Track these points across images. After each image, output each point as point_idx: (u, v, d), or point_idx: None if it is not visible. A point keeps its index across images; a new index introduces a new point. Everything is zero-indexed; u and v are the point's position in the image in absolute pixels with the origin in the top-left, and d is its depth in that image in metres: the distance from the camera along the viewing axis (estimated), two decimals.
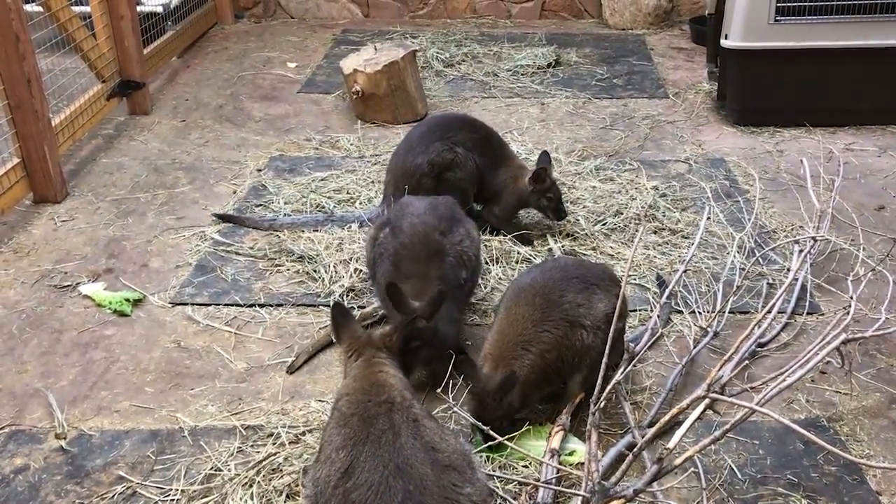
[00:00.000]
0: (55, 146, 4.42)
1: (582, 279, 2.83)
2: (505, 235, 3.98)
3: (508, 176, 4.02)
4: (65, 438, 2.84)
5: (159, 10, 6.27)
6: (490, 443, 2.61)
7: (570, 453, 2.70)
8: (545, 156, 4.00)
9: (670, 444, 2.21)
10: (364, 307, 3.46)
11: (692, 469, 2.60)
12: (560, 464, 2.61)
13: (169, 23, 6.46)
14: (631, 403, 2.94)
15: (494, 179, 4.02)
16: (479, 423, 2.53)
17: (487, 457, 2.68)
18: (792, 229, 4.08)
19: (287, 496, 2.56)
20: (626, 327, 3.08)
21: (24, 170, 4.30)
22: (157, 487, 2.64)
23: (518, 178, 4.01)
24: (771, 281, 3.65)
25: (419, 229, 3.15)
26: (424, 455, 2.05)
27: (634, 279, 3.70)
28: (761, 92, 5.17)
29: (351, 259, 3.77)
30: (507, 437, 2.58)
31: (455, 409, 2.59)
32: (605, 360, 2.49)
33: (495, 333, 2.80)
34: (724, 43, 5.10)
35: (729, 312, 3.33)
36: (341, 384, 2.37)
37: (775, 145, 5.04)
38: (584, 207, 4.25)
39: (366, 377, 2.31)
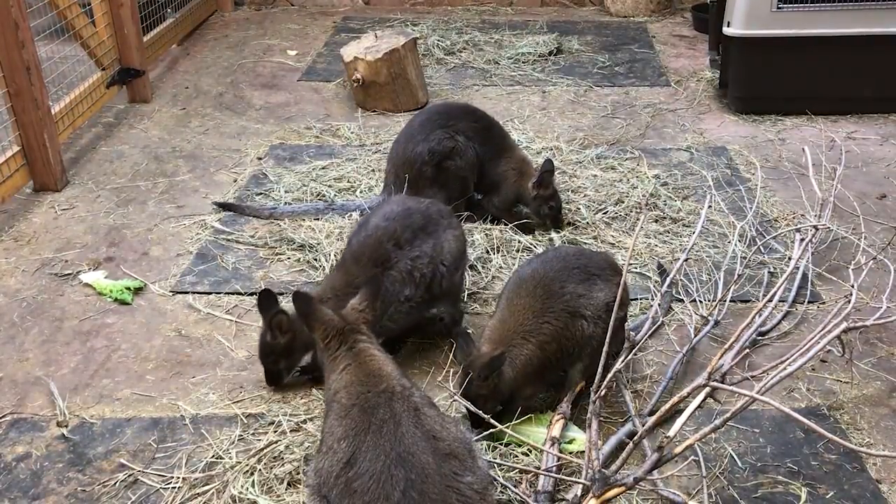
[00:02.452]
0: (55, 134, 4.41)
1: (583, 269, 2.83)
2: (506, 224, 3.98)
3: (509, 168, 4.01)
4: (66, 426, 2.85)
5: None
6: (490, 430, 2.61)
7: (570, 441, 2.71)
8: (549, 163, 3.94)
9: (671, 433, 2.21)
10: None
11: (692, 457, 2.60)
12: (560, 452, 2.62)
13: (169, 10, 6.43)
14: (631, 392, 2.94)
15: (495, 170, 4.01)
16: (466, 403, 2.55)
17: (488, 445, 2.69)
18: (793, 218, 4.08)
19: (288, 484, 2.57)
20: (628, 316, 3.08)
21: (24, 158, 4.30)
22: (159, 475, 2.65)
23: (521, 172, 3.98)
24: (772, 270, 3.65)
25: (376, 234, 3.03)
26: (425, 444, 2.06)
27: (635, 268, 3.69)
28: (763, 80, 5.16)
29: None
30: (507, 424, 2.59)
31: (456, 397, 2.60)
32: (605, 348, 2.49)
33: (496, 322, 2.81)
34: (726, 31, 5.08)
35: (730, 301, 3.33)
36: (332, 378, 2.33)
37: (777, 134, 5.03)
38: (584, 196, 4.25)
39: (359, 367, 2.29)
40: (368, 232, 3.06)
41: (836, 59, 5.01)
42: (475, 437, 2.45)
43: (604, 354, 2.48)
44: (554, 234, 3.91)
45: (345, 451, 2.05)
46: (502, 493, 2.49)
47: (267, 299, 2.90)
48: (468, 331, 3.17)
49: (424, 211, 3.15)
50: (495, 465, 2.58)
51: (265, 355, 2.94)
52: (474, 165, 3.97)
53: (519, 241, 3.85)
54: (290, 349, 2.93)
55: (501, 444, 2.71)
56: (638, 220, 4.01)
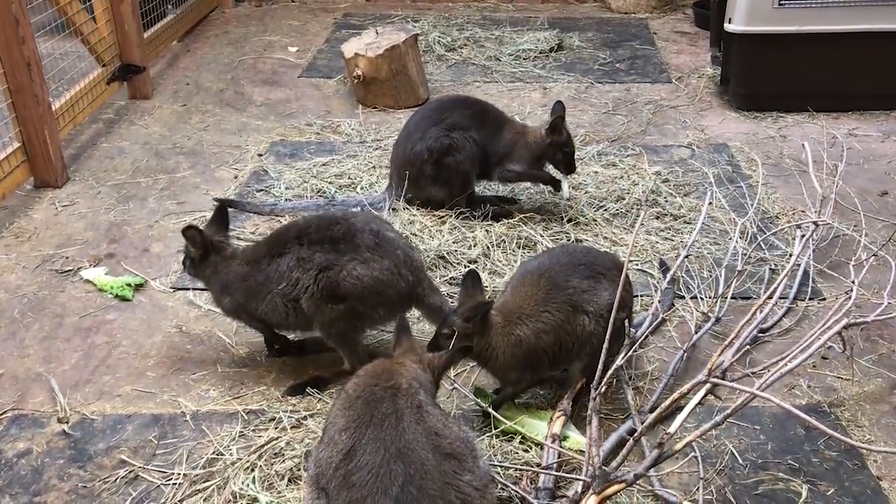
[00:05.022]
0: (56, 130, 4.41)
1: (589, 267, 2.82)
2: (509, 218, 3.96)
3: (514, 133, 3.99)
4: (67, 423, 2.85)
5: None
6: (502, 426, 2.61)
7: (564, 438, 2.70)
8: (560, 105, 3.94)
9: (671, 429, 2.21)
10: None
11: (693, 454, 2.60)
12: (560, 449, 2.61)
13: (169, 6, 6.42)
14: (632, 389, 2.94)
15: (500, 142, 3.98)
16: (466, 391, 2.55)
17: (489, 443, 2.69)
18: (794, 214, 4.07)
19: (289, 480, 2.57)
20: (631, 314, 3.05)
21: (24, 154, 4.29)
22: (160, 471, 2.65)
23: (526, 133, 3.97)
24: (773, 266, 3.65)
25: (292, 223, 3.13)
26: (426, 440, 2.06)
27: (637, 265, 3.69)
28: (765, 77, 5.15)
29: None
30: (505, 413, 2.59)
31: (457, 386, 2.60)
32: (605, 345, 2.48)
33: (498, 306, 2.80)
34: (727, 27, 5.07)
35: (731, 298, 3.33)
36: None
37: (778, 130, 5.02)
38: (586, 193, 4.24)
39: (380, 364, 2.33)
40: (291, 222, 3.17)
41: (837, 56, 5.00)
42: (478, 436, 2.45)
43: (603, 352, 2.47)
44: (564, 188, 3.99)
45: (345, 442, 2.06)
46: (503, 490, 2.49)
47: (219, 212, 3.15)
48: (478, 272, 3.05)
49: (355, 227, 2.94)
50: (496, 463, 2.58)
51: (184, 252, 3.11)
52: (474, 156, 3.96)
53: (519, 238, 3.84)
54: (198, 263, 3.05)
55: (499, 436, 2.71)
56: (638, 216, 4.00)
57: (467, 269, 3.54)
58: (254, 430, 2.79)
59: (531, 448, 2.70)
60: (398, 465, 1.98)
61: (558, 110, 3.91)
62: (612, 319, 2.52)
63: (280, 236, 3.01)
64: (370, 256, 2.89)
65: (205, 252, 3.03)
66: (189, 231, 3.00)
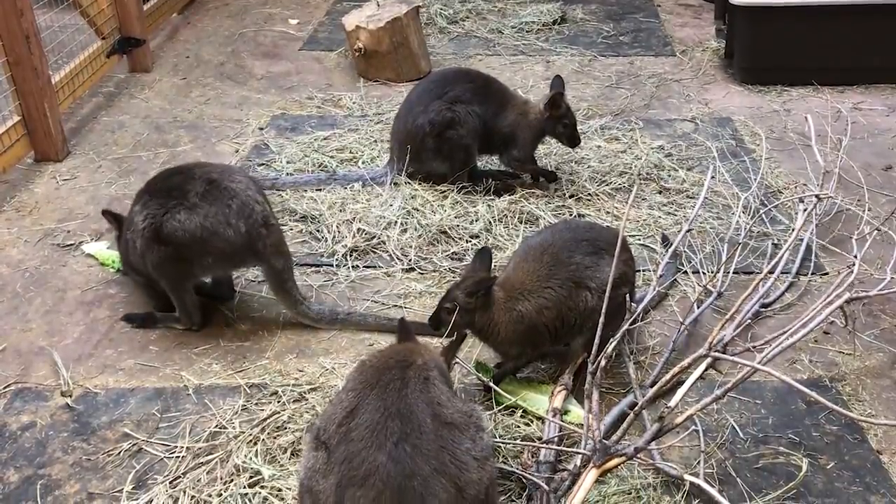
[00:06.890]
0: (55, 104, 4.38)
1: (592, 243, 2.82)
2: (513, 193, 3.95)
3: (517, 114, 3.98)
4: (70, 396, 2.87)
5: None
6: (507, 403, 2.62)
7: (565, 412, 2.71)
8: (559, 80, 3.94)
9: (672, 403, 2.22)
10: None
11: (693, 428, 2.61)
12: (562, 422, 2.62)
13: None
14: (634, 363, 2.94)
15: (503, 122, 3.98)
16: (469, 367, 2.55)
17: (491, 415, 2.70)
18: (797, 188, 4.05)
19: (291, 453, 2.59)
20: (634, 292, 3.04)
21: (24, 128, 4.27)
22: (163, 444, 2.67)
23: (527, 112, 3.97)
24: (776, 241, 3.64)
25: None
26: (427, 407, 2.08)
27: (640, 239, 3.68)
28: (769, 50, 5.10)
29: (354, 219, 3.75)
30: (508, 387, 2.59)
31: (458, 360, 2.60)
32: (602, 319, 2.47)
33: (500, 281, 2.80)
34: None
35: (733, 273, 3.32)
36: None
37: (783, 104, 4.99)
38: (588, 167, 4.22)
39: (404, 345, 2.37)
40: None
41: (842, 29, 4.95)
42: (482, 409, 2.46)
43: (600, 326, 2.46)
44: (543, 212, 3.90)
45: (350, 400, 2.10)
46: (504, 462, 2.51)
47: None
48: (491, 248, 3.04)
49: (192, 176, 3.05)
50: (497, 438, 2.59)
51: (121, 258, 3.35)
52: (476, 130, 3.94)
53: (521, 213, 3.83)
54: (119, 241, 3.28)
55: (501, 410, 2.72)
56: (641, 191, 3.99)
57: (469, 244, 3.57)
58: (256, 404, 2.81)
59: (532, 422, 2.71)
60: (395, 422, 2.02)
61: (557, 85, 3.89)
62: (607, 292, 2.51)
63: (139, 191, 3.18)
64: (197, 203, 2.97)
65: (119, 229, 3.26)
66: (105, 214, 3.31)
